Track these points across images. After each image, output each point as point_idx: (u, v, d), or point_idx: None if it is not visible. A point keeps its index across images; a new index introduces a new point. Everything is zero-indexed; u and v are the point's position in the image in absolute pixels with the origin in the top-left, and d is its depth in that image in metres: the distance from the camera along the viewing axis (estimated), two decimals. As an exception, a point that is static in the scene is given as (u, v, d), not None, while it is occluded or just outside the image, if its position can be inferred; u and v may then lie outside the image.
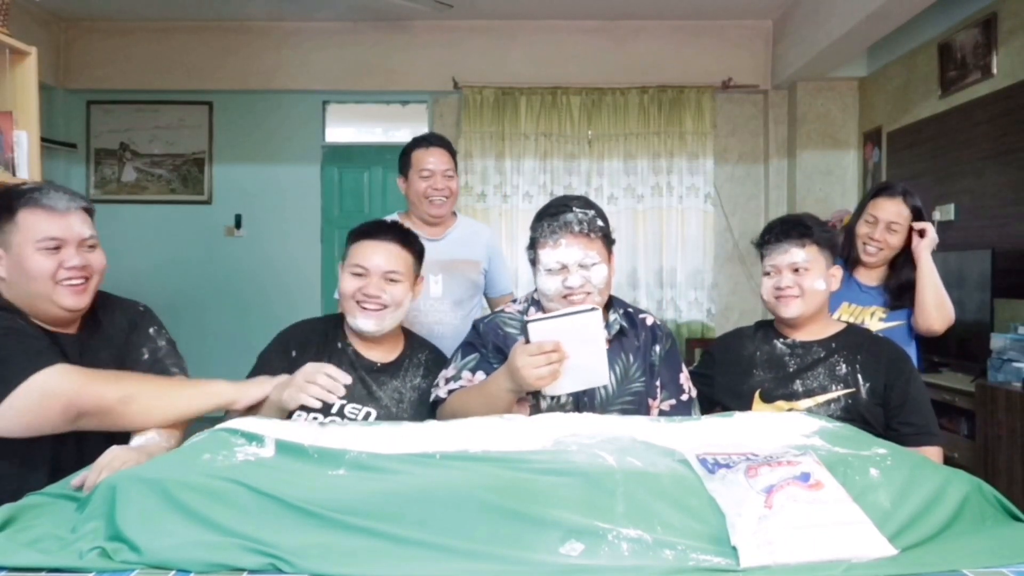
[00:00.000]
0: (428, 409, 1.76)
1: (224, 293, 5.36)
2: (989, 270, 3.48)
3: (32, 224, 1.46)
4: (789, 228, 1.84)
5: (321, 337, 1.82)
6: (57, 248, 1.47)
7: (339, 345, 1.81)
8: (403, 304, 1.79)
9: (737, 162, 5.45)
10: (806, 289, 1.80)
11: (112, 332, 1.60)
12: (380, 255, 1.76)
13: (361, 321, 1.75)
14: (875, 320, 2.29)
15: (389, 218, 2.58)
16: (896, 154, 4.71)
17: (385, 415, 1.75)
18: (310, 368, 1.54)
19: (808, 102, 5.15)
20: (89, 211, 1.55)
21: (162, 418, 1.45)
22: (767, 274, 1.87)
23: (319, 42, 5.28)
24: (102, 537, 1.06)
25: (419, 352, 1.89)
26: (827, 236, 1.85)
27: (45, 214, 1.47)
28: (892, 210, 2.31)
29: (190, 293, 5.11)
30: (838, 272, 1.87)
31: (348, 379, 1.55)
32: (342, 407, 1.72)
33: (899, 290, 2.34)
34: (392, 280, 1.76)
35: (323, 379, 1.51)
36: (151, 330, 1.67)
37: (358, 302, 1.75)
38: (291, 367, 1.66)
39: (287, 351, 1.79)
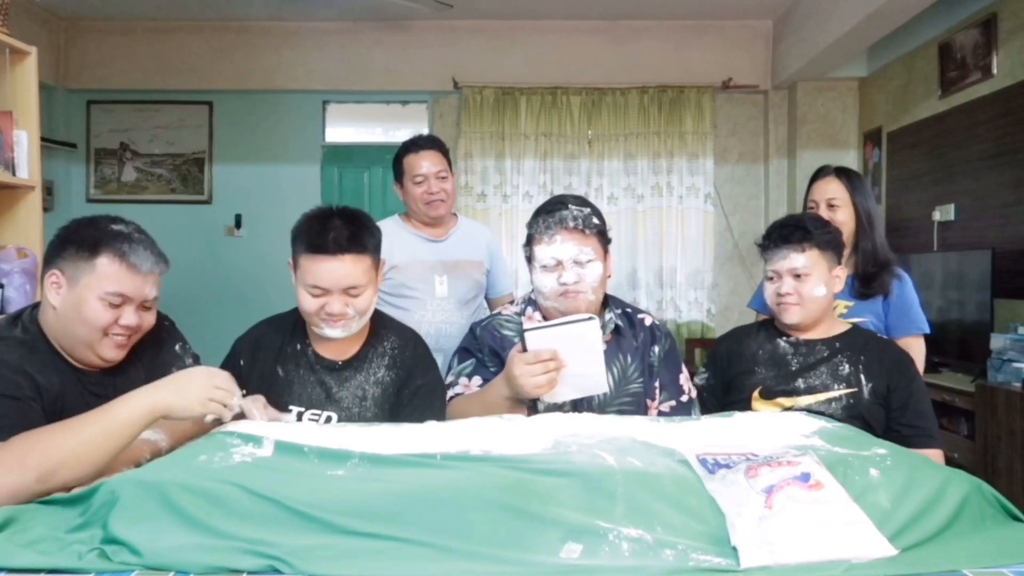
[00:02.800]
0: (392, 406, 1.69)
1: (224, 293, 5.35)
2: (989, 270, 3.48)
3: (108, 275, 1.41)
4: (789, 232, 1.81)
5: (279, 339, 1.73)
6: (120, 304, 1.43)
7: (298, 347, 1.71)
8: (370, 309, 1.66)
9: (737, 162, 5.45)
10: (805, 296, 1.79)
11: (139, 358, 1.54)
12: (337, 272, 1.57)
13: (328, 331, 1.62)
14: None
15: (388, 221, 2.54)
16: (896, 154, 4.71)
17: (346, 417, 1.66)
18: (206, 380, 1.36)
19: (808, 102, 5.15)
20: (163, 272, 1.50)
21: (93, 473, 1.27)
22: (769, 279, 1.85)
23: (319, 42, 5.28)
24: (101, 539, 1.05)
25: (384, 340, 1.74)
26: (829, 238, 1.83)
27: (126, 271, 1.42)
28: (828, 188, 2.28)
29: (190, 293, 5.10)
30: (842, 273, 1.85)
31: (237, 396, 1.38)
32: (300, 415, 1.64)
33: (869, 276, 2.23)
34: (354, 295, 1.60)
35: (218, 393, 1.35)
36: (177, 347, 1.62)
37: (322, 319, 1.61)
38: (242, 377, 1.60)
39: (236, 362, 1.71)
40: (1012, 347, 3.06)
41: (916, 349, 2.24)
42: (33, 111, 2.82)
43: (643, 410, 1.72)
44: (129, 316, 1.44)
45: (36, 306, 1.51)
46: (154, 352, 1.58)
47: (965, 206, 3.99)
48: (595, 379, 1.54)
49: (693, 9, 5.03)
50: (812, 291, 1.79)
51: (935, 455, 1.71)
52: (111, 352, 1.45)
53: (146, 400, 1.30)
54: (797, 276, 1.80)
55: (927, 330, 2.26)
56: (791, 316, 1.82)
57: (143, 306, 1.48)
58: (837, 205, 2.26)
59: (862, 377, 1.77)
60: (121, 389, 1.47)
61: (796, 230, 1.81)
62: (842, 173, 2.31)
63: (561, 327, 1.51)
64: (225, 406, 1.34)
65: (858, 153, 5.16)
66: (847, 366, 1.79)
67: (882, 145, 4.86)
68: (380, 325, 1.77)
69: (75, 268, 1.42)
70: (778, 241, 1.82)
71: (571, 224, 1.64)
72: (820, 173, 2.35)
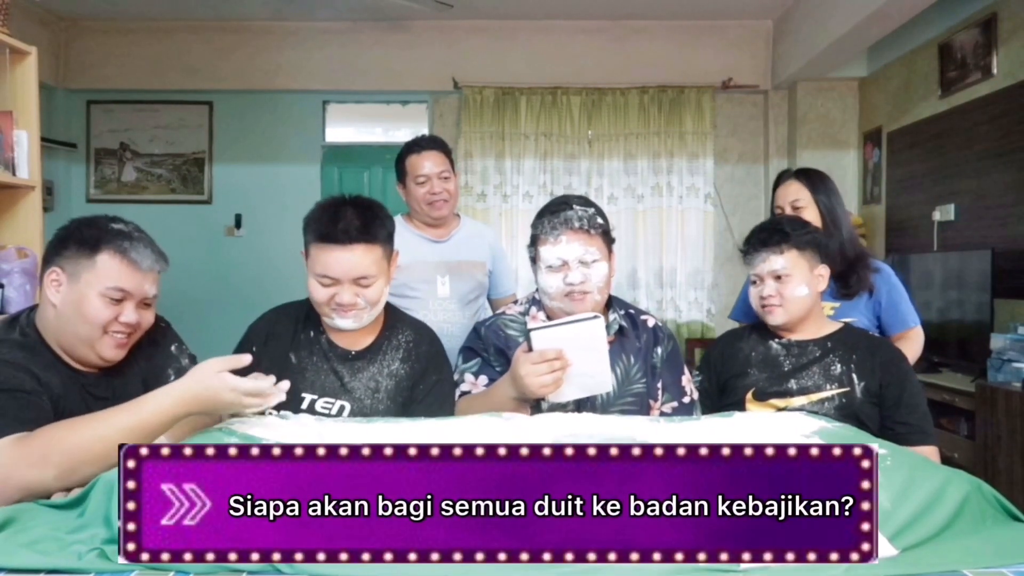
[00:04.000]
0: (405, 400, 1.70)
1: (224, 293, 5.35)
2: (989, 270, 3.48)
3: (109, 271, 1.42)
4: (767, 235, 1.83)
5: (292, 326, 1.73)
6: (120, 300, 1.43)
7: (312, 334, 1.71)
8: (381, 300, 1.66)
9: (737, 162, 5.45)
10: (787, 297, 1.80)
11: (136, 359, 1.54)
12: (347, 262, 1.57)
13: (339, 321, 1.63)
14: None
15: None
16: (896, 154, 4.71)
17: (358, 408, 1.67)
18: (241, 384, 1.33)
19: (808, 102, 5.15)
20: (163, 270, 1.51)
21: (110, 468, 1.21)
22: (752, 283, 1.87)
23: (319, 42, 5.28)
24: (101, 538, 1.05)
25: (399, 333, 1.75)
26: (808, 238, 1.84)
27: (128, 267, 1.43)
28: (790, 191, 2.29)
29: (190, 293, 5.10)
30: (825, 272, 1.86)
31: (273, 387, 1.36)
32: (312, 403, 1.66)
33: (844, 275, 2.20)
34: (364, 285, 1.61)
35: (247, 400, 1.33)
36: (173, 348, 1.62)
37: (333, 309, 1.62)
38: (255, 362, 1.58)
39: (248, 348, 1.68)
40: (1012, 347, 3.06)
41: (915, 341, 2.24)
42: (33, 111, 2.82)
43: (645, 411, 1.73)
44: (129, 313, 1.44)
45: (33, 309, 1.51)
46: (150, 353, 1.58)
47: (965, 206, 4.00)
48: (600, 378, 1.54)
49: (693, 9, 5.03)
50: (794, 292, 1.80)
51: (930, 452, 1.71)
52: (111, 351, 1.45)
53: (176, 412, 1.31)
54: (778, 278, 1.81)
55: (919, 321, 2.26)
56: (775, 318, 1.83)
57: (143, 304, 1.48)
58: (801, 207, 2.27)
59: (854, 376, 1.77)
60: (119, 390, 1.48)
61: (774, 233, 1.83)
62: (802, 175, 2.32)
63: (566, 326, 1.51)
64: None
65: (858, 153, 5.16)
66: (839, 366, 1.79)
67: (882, 145, 4.86)
68: (394, 318, 1.78)
69: (76, 265, 1.42)
70: (757, 245, 1.84)
71: (576, 224, 1.65)
72: (782, 177, 2.37)
